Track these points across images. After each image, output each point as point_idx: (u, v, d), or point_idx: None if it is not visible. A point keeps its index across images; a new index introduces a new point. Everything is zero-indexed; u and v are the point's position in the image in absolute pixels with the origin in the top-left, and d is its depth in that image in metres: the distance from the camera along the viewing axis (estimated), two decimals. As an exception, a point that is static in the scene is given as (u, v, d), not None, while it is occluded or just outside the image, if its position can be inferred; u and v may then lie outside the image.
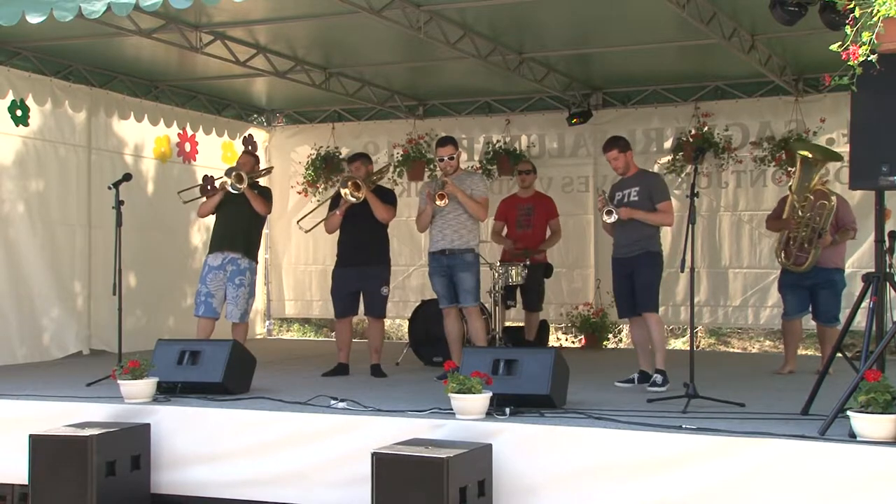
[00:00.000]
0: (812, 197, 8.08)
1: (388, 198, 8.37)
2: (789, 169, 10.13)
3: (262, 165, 10.11)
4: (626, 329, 13.31)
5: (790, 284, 8.33)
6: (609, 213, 7.34)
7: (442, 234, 8.00)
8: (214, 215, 8.70)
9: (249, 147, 11.93)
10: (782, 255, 8.30)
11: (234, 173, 8.44)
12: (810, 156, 8.23)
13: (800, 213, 8.10)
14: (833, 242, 8.10)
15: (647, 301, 7.36)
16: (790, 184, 8.21)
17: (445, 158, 8.01)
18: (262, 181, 9.33)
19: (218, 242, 8.53)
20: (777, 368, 8.46)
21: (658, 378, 7.13)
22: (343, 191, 8.12)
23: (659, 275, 7.50)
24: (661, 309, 11.07)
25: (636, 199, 7.39)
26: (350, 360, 8.35)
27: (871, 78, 4.91)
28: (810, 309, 8.32)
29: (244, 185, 8.37)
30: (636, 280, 7.37)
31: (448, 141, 8.12)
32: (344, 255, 8.38)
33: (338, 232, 8.45)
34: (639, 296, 7.36)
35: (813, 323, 8.53)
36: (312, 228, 8.75)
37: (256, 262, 8.70)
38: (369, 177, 8.33)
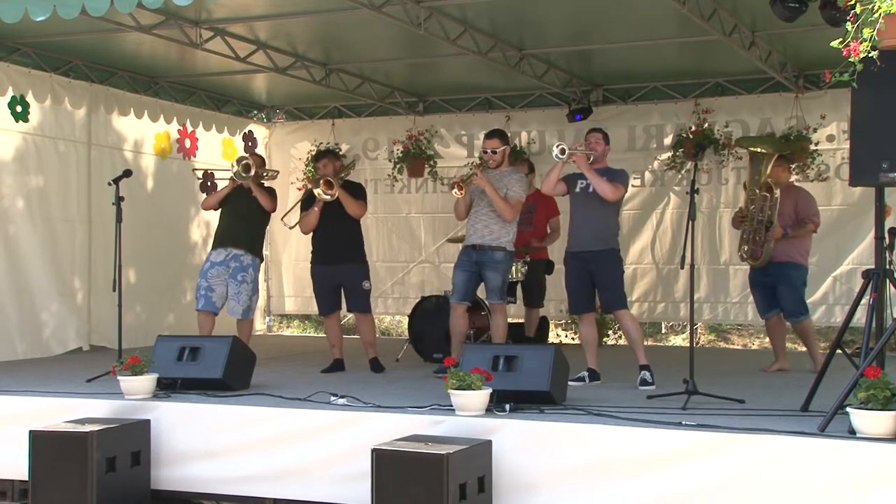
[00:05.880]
0: (758, 190, 7.99)
1: (359, 193, 8.35)
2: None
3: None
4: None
5: (755, 283, 8.31)
6: (563, 150, 7.09)
7: (473, 228, 7.76)
8: (219, 211, 8.53)
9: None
10: (744, 249, 8.20)
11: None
12: (758, 150, 8.15)
13: (751, 207, 8.04)
14: (786, 236, 7.98)
15: (617, 300, 7.31)
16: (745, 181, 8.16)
17: (489, 151, 7.72)
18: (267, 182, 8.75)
19: (221, 238, 8.43)
20: (764, 366, 8.33)
21: (647, 375, 7.07)
22: (316, 190, 8.11)
23: (623, 271, 7.48)
24: (660, 305, 11.25)
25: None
26: (347, 357, 8.35)
27: (871, 74, 4.91)
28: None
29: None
30: (600, 278, 7.29)
31: (495, 134, 7.84)
32: (320, 253, 8.33)
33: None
34: (607, 295, 7.30)
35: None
36: (297, 224, 8.59)
37: (261, 260, 8.60)
38: (337, 174, 8.29)
